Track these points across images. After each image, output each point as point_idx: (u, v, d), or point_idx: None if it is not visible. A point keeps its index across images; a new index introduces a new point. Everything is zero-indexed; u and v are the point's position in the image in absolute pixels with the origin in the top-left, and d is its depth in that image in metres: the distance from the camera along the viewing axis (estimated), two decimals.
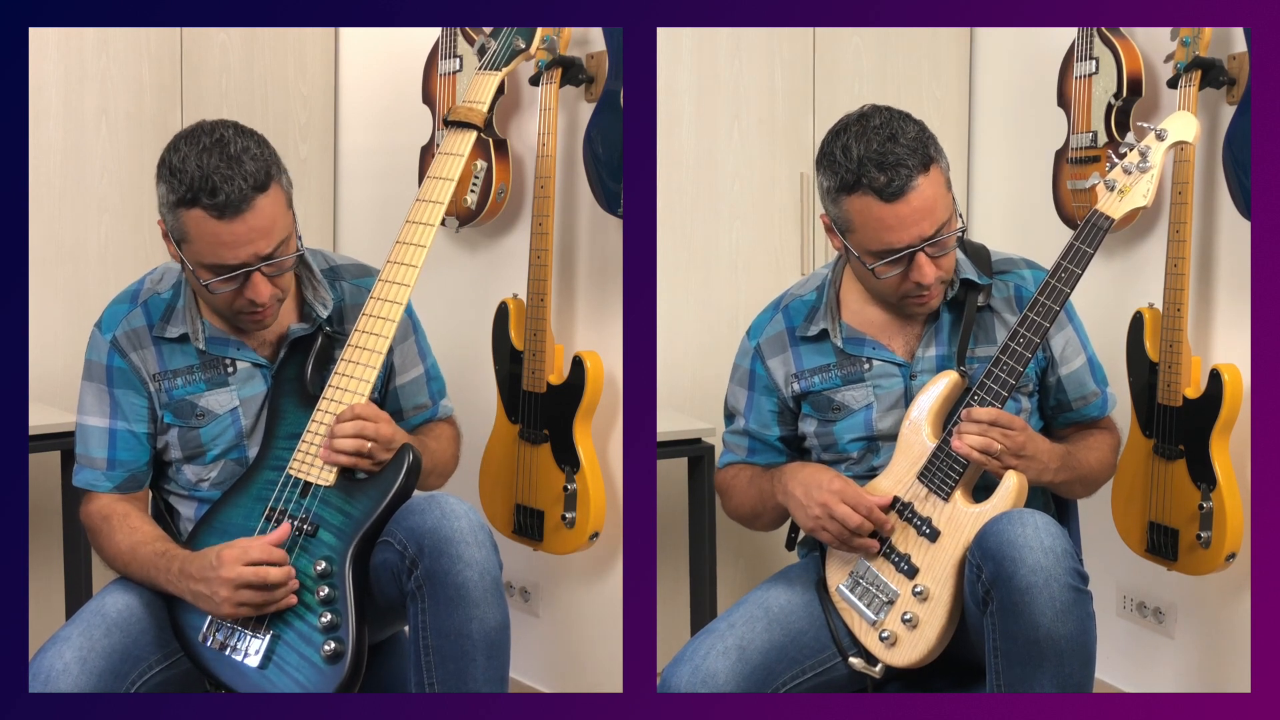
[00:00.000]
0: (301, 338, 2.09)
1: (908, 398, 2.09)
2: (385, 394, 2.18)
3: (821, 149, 2.02)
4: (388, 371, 2.17)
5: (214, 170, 1.88)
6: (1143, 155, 1.97)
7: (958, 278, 2.09)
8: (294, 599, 1.92)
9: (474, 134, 2.14)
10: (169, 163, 1.92)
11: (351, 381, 2.00)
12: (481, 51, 2.22)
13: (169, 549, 2.00)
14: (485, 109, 2.15)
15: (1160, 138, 1.98)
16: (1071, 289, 1.96)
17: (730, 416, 2.26)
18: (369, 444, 1.94)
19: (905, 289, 2.03)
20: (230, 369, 2.08)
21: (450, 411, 2.29)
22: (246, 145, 1.92)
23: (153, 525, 2.08)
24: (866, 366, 2.12)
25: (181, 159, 1.90)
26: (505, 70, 2.21)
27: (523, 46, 2.21)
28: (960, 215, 2.03)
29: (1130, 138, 2.01)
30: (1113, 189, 1.98)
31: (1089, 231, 1.96)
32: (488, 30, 2.26)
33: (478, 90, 2.17)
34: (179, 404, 2.07)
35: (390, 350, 2.09)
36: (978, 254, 2.13)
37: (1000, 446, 1.94)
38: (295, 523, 1.96)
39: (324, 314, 2.10)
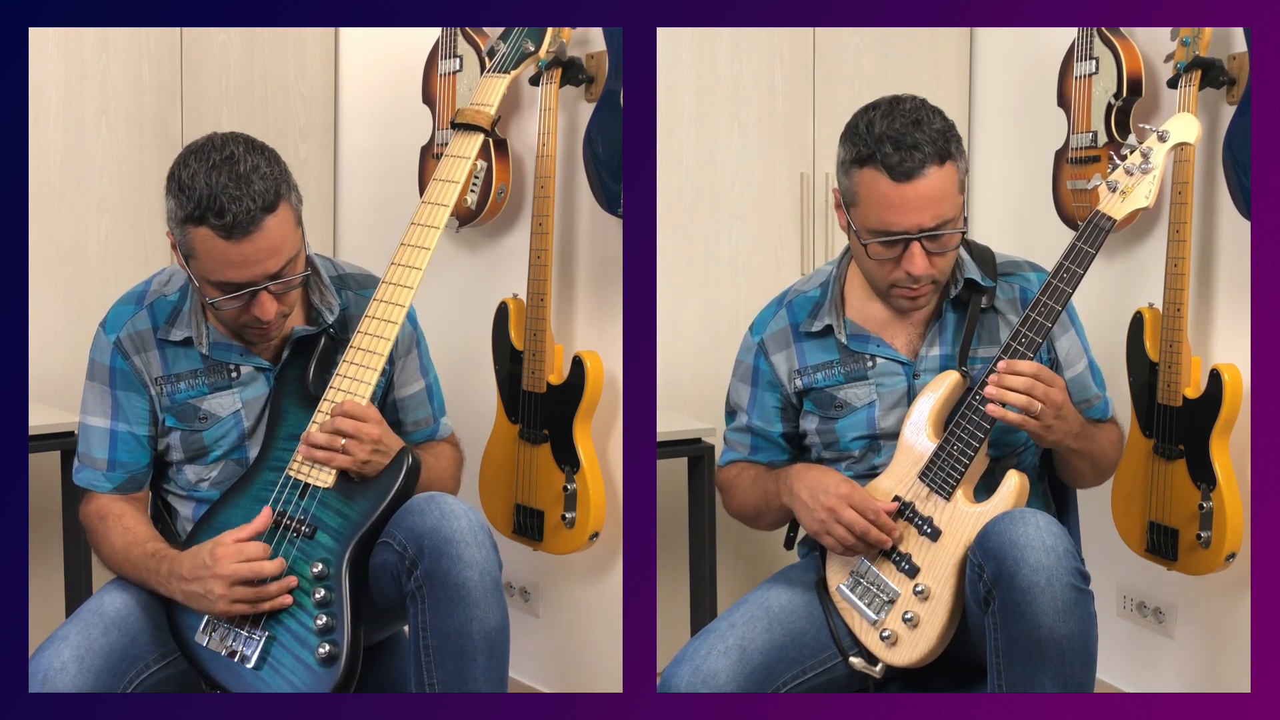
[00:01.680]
0: (305, 340, 2.09)
1: (910, 397, 2.09)
2: (384, 405, 2.17)
3: (848, 124, 2.03)
4: (387, 382, 2.16)
5: (222, 190, 1.86)
6: (1145, 156, 1.97)
7: (962, 277, 2.09)
8: (289, 599, 1.92)
9: (480, 137, 2.12)
10: (178, 178, 1.90)
11: (352, 383, 2.00)
12: (490, 54, 2.21)
13: (160, 549, 2.00)
14: (493, 112, 2.14)
15: (1162, 139, 1.98)
16: (1074, 289, 1.96)
17: (732, 413, 2.26)
18: (342, 440, 1.93)
19: (895, 277, 2.02)
20: (234, 373, 2.08)
21: (450, 430, 2.29)
22: (256, 164, 1.89)
23: (147, 526, 2.08)
24: (870, 364, 2.12)
25: (190, 175, 1.88)
26: (514, 73, 2.19)
27: (532, 49, 2.20)
28: (965, 219, 2.02)
29: (1132, 139, 2.01)
30: (1115, 190, 1.98)
31: (1091, 232, 1.96)
32: (497, 32, 2.25)
33: (486, 93, 2.16)
34: (182, 407, 2.07)
35: (392, 361, 2.09)
36: (983, 256, 2.13)
37: (1040, 405, 1.93)
38: (294, 524, 1.96)
39: (330, 319, 2.10)
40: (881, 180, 1.96)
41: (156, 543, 2.02)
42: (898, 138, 1.95)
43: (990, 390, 1.94)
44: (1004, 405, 1.94)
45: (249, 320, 1.98)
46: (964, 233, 2.02)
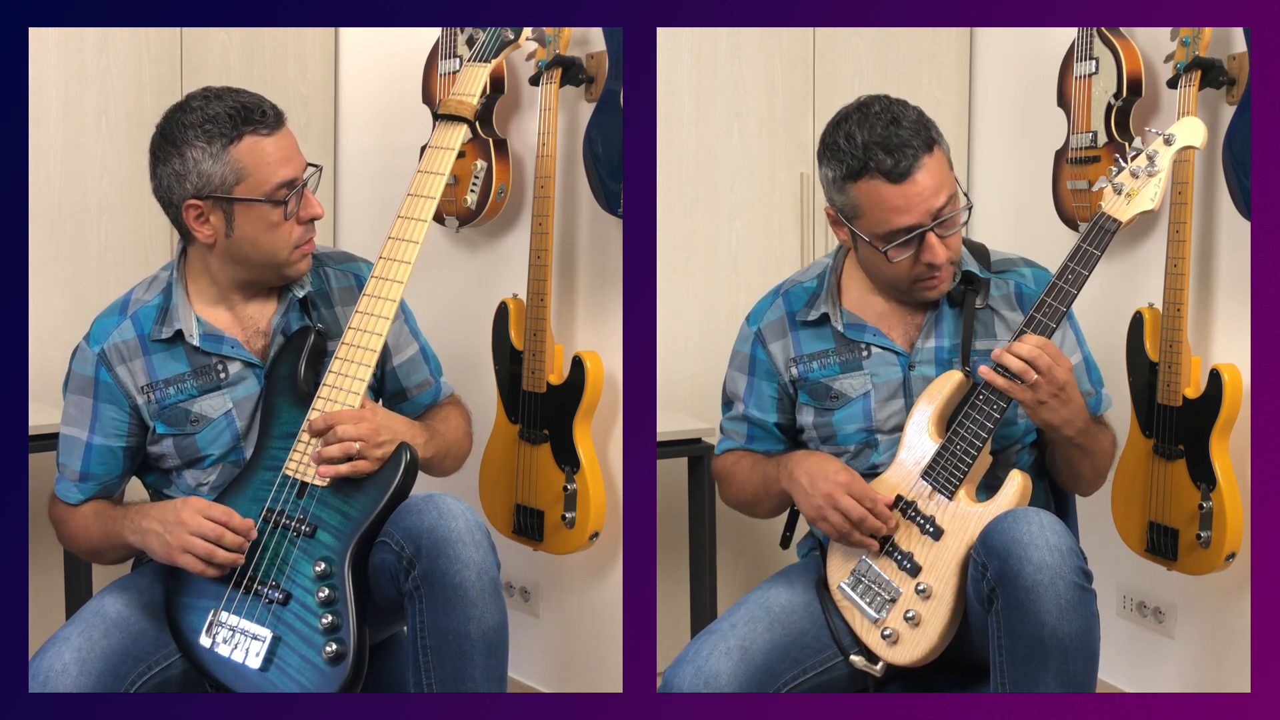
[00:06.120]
0: (292, 335, 2.09)
1: (906, 388, 2.10)
2: (383, 375, 2.19)
3: (823, 141, 2.03)
4: (382, 354, 2.17)
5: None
6: (1150, 160, 1.97)
7: (960, 268, 2.09)
8: (240, 558, 1.94)
9: (464, 127, 2.13)
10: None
11: (346, 379, 2.00)
12: (470, 43, 2.22)
13: (131, 504, 2.06)
14: (475, 101, 2.15)
15: (1168, 142, 1.98)
16: (1078, 290, 1.96)
17: (729, 403, 2.26)
18: (356, 445, 1.94)
19: (917, 272, 2.04)
20: (222, 373, 2.07)
21: (451, 389, 2.30)
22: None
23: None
24: (865, 354, 2.12)
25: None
26: (494, 62, 2.20)
27: (511, 38, 2.21)
28: (966, 195, 2.03)
29: (1137, 142, 2.01)
30: (1120, 192, 1.98)
31: (1096, 234, 1.96)
32: None
33: (466, 83, 2.17)
34: (172, 412, 2.06)
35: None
36: (978, 251, 2.14)
37: (1036, 376, 1.92)
38: (293, 524, 1.96)
39: (300, 294, 2.11)
40: (882, 186, 1.97)
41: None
42: (884, 142, 1.96)
43: (994, 353, 1.95)
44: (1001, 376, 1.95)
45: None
46: (969, 206, 2.03)
